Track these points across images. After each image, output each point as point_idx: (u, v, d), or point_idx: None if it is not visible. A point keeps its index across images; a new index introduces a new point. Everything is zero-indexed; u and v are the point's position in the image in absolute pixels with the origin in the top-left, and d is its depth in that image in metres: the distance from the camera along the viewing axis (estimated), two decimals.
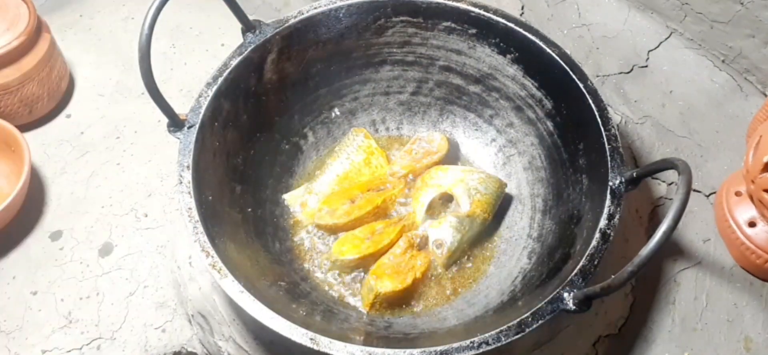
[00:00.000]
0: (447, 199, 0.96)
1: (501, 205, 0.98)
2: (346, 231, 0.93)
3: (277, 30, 0.91)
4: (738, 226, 0.92)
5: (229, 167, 0.89)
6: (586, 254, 0.73)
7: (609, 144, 0.80)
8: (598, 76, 1.16)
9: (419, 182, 0.97)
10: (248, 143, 0.94)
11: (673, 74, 1.15)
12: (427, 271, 0.90)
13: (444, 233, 0.90)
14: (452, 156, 1.03)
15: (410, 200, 0.97)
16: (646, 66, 1.17)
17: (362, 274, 0.91)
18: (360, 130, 1.03)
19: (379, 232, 0.92)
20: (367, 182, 0.98)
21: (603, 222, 0.75)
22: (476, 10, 0.93)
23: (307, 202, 0.97)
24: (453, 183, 0.95)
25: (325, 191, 0.97)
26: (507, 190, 0.98)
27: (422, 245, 0.92)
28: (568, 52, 0.89)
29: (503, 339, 0.67)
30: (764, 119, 0.98)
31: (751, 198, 0.90)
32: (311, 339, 0.67)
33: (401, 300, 0.87)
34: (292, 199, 0.97)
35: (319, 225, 0.94)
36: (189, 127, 0.81)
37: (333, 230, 0.94)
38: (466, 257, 0.93)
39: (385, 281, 0.86)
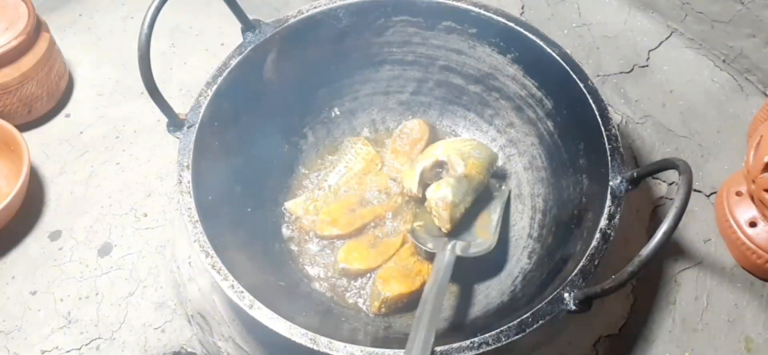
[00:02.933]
0: (440, 167, 0.95)
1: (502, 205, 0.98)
2: (347, 239, 0.93)
3: (277, 29, 0.91)
4: (739, 226, 0.92)
5: (229, 167, 0.89)
6: (587, 254, 0.72)
7: (609, 144, 0.80)
8: (598, 76, 1.15)
9: (411, 160, 0.97)
10: (248, 143, 0.93)
11: (674, 74, 1.15)
12: None
13: (443, 191, 0.89)
14: None
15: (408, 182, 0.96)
16: (647, 66, 1.17)
17: (362, 276, 0.91)
18: (358, 139, 1.03)
19: (382, 240, 0.92)
20: (367, 189, 0.98)
21: (603, 222, 0.74)
22: (476, 9, 0.93)
23: (308, 210, 0.96)
24: (446, 151, 0.94)
25: (325, 199, 0.97)
26: (507, 190, 0.98)
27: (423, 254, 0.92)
28: (569, 51, 0.89)
29: (503, 339, 0.67)
30: (765, 119, 0.98)
31: (752, 198, 0.90)
32: (311, 339, 0.66)
33: (408, 303, 0.87)
34: (293, 207, 0.97)
35: (320, 236, 0.94)
36: (189, 127, 0.81)
37: (335, 239, 0.94)
38: (465, 256, 0.93)
39: (393, 285, 0.85)
